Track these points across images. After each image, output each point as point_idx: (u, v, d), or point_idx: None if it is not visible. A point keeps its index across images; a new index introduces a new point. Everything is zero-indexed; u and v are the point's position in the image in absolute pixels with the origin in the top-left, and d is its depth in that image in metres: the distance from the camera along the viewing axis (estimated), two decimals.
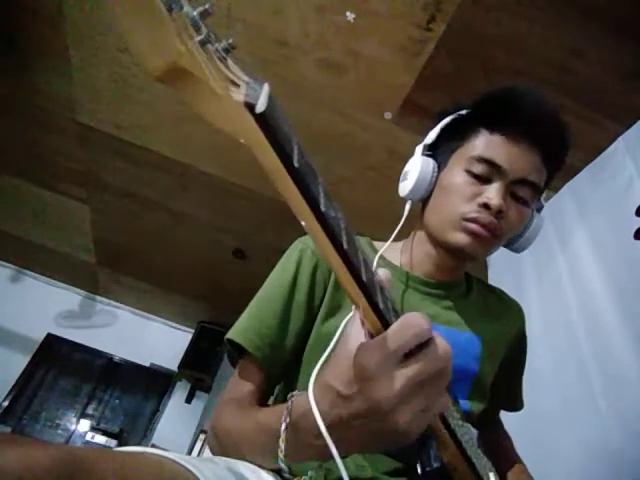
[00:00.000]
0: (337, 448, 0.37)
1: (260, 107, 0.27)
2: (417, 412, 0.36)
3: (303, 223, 0.33)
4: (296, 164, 0.30)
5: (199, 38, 0.25)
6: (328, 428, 0.37)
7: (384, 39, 1.65)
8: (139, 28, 0.23)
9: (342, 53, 1.73)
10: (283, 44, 1.73)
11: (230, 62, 0.28)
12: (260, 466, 0.55)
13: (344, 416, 0.37)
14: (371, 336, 0.39)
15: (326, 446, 0.36)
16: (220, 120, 0.27)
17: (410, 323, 0.35)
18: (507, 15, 1.48)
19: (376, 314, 0.37)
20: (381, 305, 0.36)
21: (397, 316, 0.38)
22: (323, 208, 0.32)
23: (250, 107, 0.27)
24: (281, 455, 0.44)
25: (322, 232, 0.32)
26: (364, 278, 0.35)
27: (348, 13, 1.59)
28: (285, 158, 0.29)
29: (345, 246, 0.33)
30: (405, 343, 0.35)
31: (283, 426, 0.44)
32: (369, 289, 0.35)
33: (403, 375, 0.35)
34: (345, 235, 0.34)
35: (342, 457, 0.36)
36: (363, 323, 0.39)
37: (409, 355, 0.36)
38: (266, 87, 0.28)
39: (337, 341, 0.42)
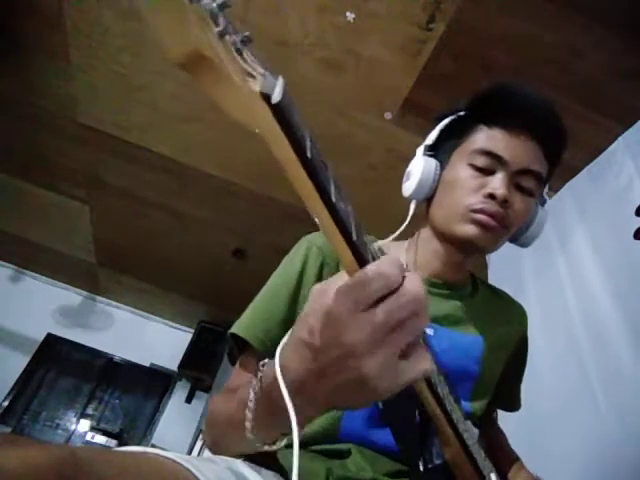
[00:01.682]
0: (311, 405, 0.37)
1: (276, 98, 0.28)
2: (389, 359, 0.35)
3: (314, 216, 0.33)
4: (309, 154, 0.30)
5: (218, 29, 0.26)
6: (300, 385, 0.36)
7: (384, 39, 1.65)
8: (162, 16, 0.24)
9: (342, 53, 1.73)
10: (283, 44, 1.73)
11: (246, 54, 0.29)
12: (261, 465, 0.55)
13: (315, 369, 0.36)
14: None
15: (299, 411, 0.35)
16: (236, 110, 0.28)
17: (382, 272, 0.34)
18: (507, 15, 1.49)
19: None
20: None
21: None
22: (334, 199, 0.32)
23: (266, 97, 0.28)
24: (248, 425, 0.42)
25: (332, 223, 0.33)
26: None
27: (348, 13, 1.59)
28: (298, 148, 0.30)
29: (354, 238, 0.34)
30: (374, 291, 0.34)
31: (251, 394, 0.42)
32: None
33: (372, 319, 0.34)
34: (354, 227, 0.34)
35: (320, 414, 0.36)
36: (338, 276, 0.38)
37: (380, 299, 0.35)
38: (281, 79, 0.29)
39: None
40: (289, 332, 0.40)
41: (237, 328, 0.69)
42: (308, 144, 0.30)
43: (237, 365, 0.70)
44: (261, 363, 0.44)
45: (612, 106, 1.65)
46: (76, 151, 2.61)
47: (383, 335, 0.34)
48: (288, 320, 0.69)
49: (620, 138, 1.58)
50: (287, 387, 0.36)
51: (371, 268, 0.34)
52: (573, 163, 1.74)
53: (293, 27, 1.67)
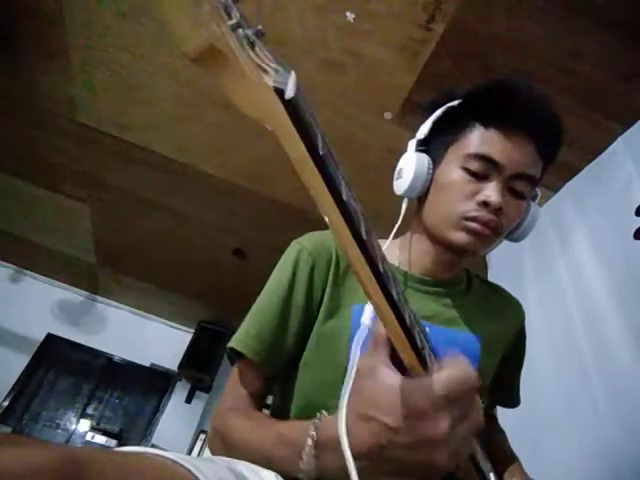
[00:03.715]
0: (369, 474, 0.40)
1: (289, 93, 0.27)
2: (459, 450, 0.40)
3: (323, 214, 0.33)
4: (321, 152, 0.30)
5: (231, 22, 0.26)
6: (365, 454, 0.40)
7: (384, 39, 1.65)
8: (178, 9, 0.24)
9: (342, 53, 1.73)
10: (283, 44, 1.73)
11: (258, 48, 0.28)
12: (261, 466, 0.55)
13: (386, 445, 0.40)
14: (393, 353, 0.42)
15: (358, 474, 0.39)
16: (248, 105, 0.28)
17: (462, 377, 0.40)
18: (507, 15, 1.48)
19: (391, 307, 0.37)
20: (394, 294, 0.37)
21: (413, 314, 0.40)
22: (345, 197, 0.32)
23: (280, 93, 0.27)
24: (305, 467, 0.46)
25: (342, 222, 0.33)
26: (381, 269, 0.35)
27: (348, 13, 1.59)
28: (311, 145, 0.29)
29: (364, 237, 0.34)
30: (456, 393, 0.39)
31: (310, 442, 0.46)
32: (385, 281, 0.36)
33: (451, 420, 0.39)
34: (364, 226, 0.34)
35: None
36: (378, 342, 0.42)
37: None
38: (293, 74, 0.28)
39: (354, 363, 0.44)
40: (346, 393, 0.43)
41: (234, 341, 0.71)
42: (320, 141, 0.30)
43: (235, 373, 0.71)
44: (318, 413, 0.48)
45: (612, 106, 1.65)
46: (76, 151, 2.61)
47: (455, 436, 0.39)
48: (281, 327, 0.70)
49: (620, 138, 1.57)
50: (350, 452, 0.39)
51: (450, 372, 0.40)
52: (573, 163, 1.74)
53: (293, 27, 1.67)
